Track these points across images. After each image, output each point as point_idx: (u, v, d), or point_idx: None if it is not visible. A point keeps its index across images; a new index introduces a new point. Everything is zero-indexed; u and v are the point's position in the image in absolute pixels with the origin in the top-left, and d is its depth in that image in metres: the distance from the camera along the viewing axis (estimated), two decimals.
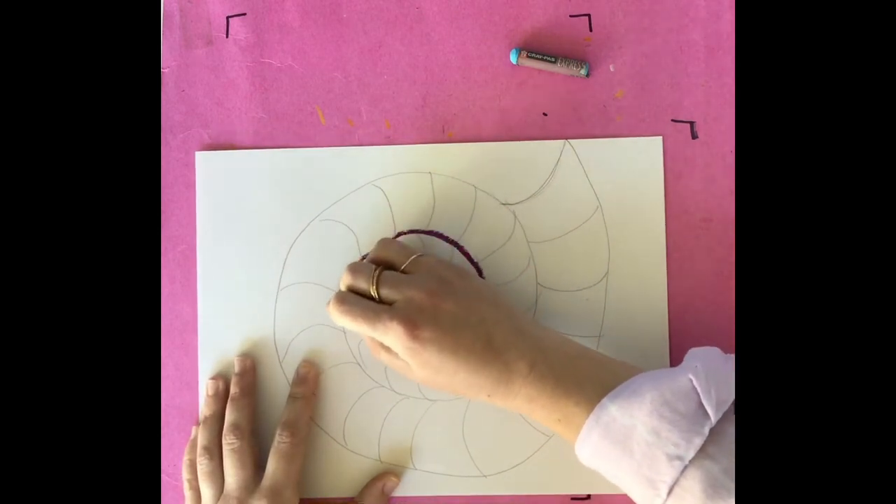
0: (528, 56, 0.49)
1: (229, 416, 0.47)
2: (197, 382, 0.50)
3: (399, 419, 0.49)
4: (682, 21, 0.49)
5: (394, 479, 0.48)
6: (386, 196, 0.50)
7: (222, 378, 0.49)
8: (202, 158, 0.50)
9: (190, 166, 0.50)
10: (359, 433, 0.49)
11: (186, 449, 0.49)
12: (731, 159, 0.49)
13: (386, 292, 0.44)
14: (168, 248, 0.50)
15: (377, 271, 0.44)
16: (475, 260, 0.49)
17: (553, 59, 0.49)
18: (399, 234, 0.50)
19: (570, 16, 0.50)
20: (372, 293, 0.44)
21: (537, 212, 0.49)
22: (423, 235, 0.50)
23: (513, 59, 0.49)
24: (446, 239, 0.50)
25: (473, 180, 0.50)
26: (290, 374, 0.49)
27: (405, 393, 0.49)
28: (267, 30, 0.51)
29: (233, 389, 0.48)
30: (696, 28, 0.49)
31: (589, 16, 0.50)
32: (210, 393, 0.49)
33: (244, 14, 0.51)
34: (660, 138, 0.49)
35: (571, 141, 0.49)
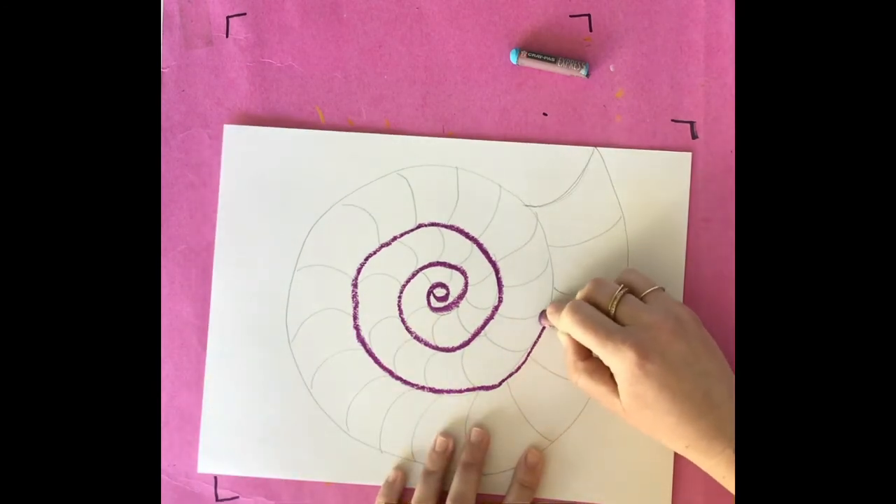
0: (528, 56, 0.49)
1: (458, 485, 0.46)
2: (197, 384, 0.50)
3: (403, 411, 0.49)
4: (682, 21, 0.49)
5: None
6: (410, 186, 0.50)
7: (453, 438, 0.48)
8: (230, 132, 0.50)
9: (190, 166, 0.50)
10: (361, 421, 0.49)
11: (382, 490, 0.48)
12: (731, 159, 0.49)
13: (624, 313, 0.43)
14: (168, 248, 0.50)
15: (622, 290, 0.44)
16: (493, 259, 0.49)
17: (553, 59, 0.49)
18: (419, 226, 0.49)
19: (570, 16, 0.50)
20: (609, 308, 0.43)
21: (560, 216, 0.49)
22: (442, 229, 0.50)
23: (513, 59, 0.49)
24: (466, 235, 0.49)
25: (499, 179, 0.49)
26: (299, 355, 0.49)
27: (410, 385, 0.49)
28: (267, 30, 0.51)
29: (465, 457, 0.47)
30: (696, 28, 0.49)
31: (589, 16, 0.50)
32: (439, 449, 0.48)
33: (244, 14, 0.51)
34: (689, 154, 0.49)
35: (600, 149, 0.49)
